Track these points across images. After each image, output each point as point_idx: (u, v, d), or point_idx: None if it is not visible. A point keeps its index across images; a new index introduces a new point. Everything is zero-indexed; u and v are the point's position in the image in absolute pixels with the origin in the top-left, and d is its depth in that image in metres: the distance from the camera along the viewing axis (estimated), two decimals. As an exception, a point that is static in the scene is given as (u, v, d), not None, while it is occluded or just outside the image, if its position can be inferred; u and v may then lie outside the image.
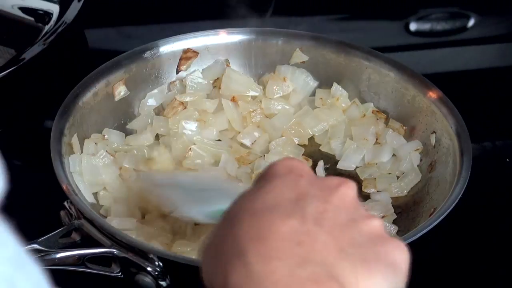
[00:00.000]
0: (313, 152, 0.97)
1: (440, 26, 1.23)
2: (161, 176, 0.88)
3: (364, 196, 0.91)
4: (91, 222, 0.79)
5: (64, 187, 0.81)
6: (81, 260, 0.78)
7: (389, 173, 0.94)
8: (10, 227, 0.41)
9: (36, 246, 0.77)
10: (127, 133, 0.96)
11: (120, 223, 0.84)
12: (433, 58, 1.19)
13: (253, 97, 0.99)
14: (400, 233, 0.86)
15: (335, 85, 1.00)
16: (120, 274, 0.79)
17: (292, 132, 0.97)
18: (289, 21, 1.19)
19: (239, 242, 0.52)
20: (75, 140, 0.89)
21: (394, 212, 0.89)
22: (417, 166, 0.93)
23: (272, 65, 1.02)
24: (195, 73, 1.00)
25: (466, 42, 1.22)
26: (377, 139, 0.97)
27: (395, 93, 0.98)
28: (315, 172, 0.87)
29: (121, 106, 0.97)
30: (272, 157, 0.93)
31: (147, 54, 0.98)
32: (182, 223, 0.84)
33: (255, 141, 0.96)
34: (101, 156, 0.90)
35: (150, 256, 0.76)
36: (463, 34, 1.23)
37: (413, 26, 1.22)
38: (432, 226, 0.78)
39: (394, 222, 0.88)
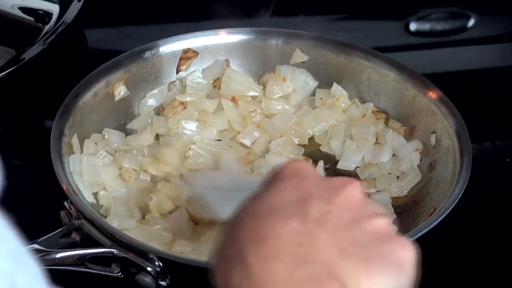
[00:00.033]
0: (313, 152, 0.97)
1: (440, 26, 1.23)
2: (202, 177, 0.88)
3: (364, 196, 0.91)
4: (91, 222, 0.79)
5: (64, 187, 0.81)
6: (81, 260, 0.78)
7: (389, 173, 0.94)
8: (10, 223, 0.41)
9: (36, 246, 0.77)
10: (127, 133, 0.96)
11: (120, 223, 0.84)
12: (433, 58, 1.19)
13: (253, 97, 0.99)
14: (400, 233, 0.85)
15: (335, 85, 1.00)
16: (120, 274, 0.79)
17: (292, 132, 0.97)
18: (289, 21, 1.19)
19: (240, 246, 0.53)
20: (75, 140, 0.89)
21: (394, 212, 0.89)
22: (417, 166, 0.93)
23: (272, 65, 1.02)
24: (195, 73, 1.00)
25: (466, 42, 1.22)
26: (377, 139, 0.97)
27: (395, 93, 0.98)
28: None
29: (121, 106, 0.97)
30: (272, 157, 0.93)
31: (147, 54, 0.98)
32: (182, 223, 0.84)
33: (255, 141, 0.96)
34: (101, 156, 0.90)
35: (150, 256, 0.76)
36: (463, 34, 1.23)
37: (413, 26, 1.22)
38: (432, 226, 0.78)
39: (394, 222, 0.88)
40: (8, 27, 1.10)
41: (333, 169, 0.95)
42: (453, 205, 0.81)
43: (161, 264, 0.76)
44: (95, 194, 0.88)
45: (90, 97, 0.93)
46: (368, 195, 0.91)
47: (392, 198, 0.91)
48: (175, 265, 0.75)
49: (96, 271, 0.79)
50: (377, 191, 0.92)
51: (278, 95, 0.99)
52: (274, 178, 0.58)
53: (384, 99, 0.99)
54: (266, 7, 1.20)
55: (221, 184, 0.84)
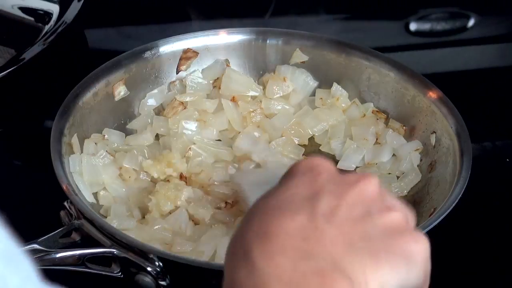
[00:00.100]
0: (313, 152, 0.97)
1: (440, 26, 1.23)
2: (246, 175, 0.87)
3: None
4: (91, 222, 0.79)
5: (64, 187, 0.81)
6: (81, 260, 0.78)
7: (389, 173, 0.94)
8: (1, 222, 0.41)
9: (36, 246, 0.77)
10: (127, 133, 0.96)
11: (120, 223, 0.84)
12: (433, 58, 1.19)
13: (253, 97, 0.99)
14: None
15: (335, 85, 1.00)
16: (120, 274, 0.79)
17: (292, 132, 0.97)
18: (289, 21, 1.19)
19: (246, 242, 0.53)
20: (75, 140, 0.89)
21: (394, 212, 0.89)
22: (417, 166, 0.93)
23: (272, 65, 1.02)
24: (195, 73, 1.00)
25: (466, 42, 1.22)
26: (377, 139, 0.97)
27: (395, 93, 0.98)
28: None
29: (121, 106, 0.97)
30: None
31: (147, 54, 0.98)
32: (182, 223, 0.84)
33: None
34: (101, 156, 0.90)
35: (150, 256, 0.76)
36: (463, 34, 1.23)
37: (413, 26, 1.22)
38: (432, 226, 0.78)
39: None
40: (8, 27, 1.10)
41: (333, 169, 0.95)
42: (453, 205, 0.81)
43: (161, 264, 0.76)
44: (95, 194, 0.88)
45: (90, 97, 0.93)
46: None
47: (392, 198, 0.91)
48: (175, 265, 0.75)
49: (96, 271, 0.79)
50: (377, 191, 0.92)
51: (278, 95, 0.99)
52: (289, 175, 0.58)
53: (384, 99, 0.99)
54: (266, 7, 1.20)
55: (264, 180, 0.83)
